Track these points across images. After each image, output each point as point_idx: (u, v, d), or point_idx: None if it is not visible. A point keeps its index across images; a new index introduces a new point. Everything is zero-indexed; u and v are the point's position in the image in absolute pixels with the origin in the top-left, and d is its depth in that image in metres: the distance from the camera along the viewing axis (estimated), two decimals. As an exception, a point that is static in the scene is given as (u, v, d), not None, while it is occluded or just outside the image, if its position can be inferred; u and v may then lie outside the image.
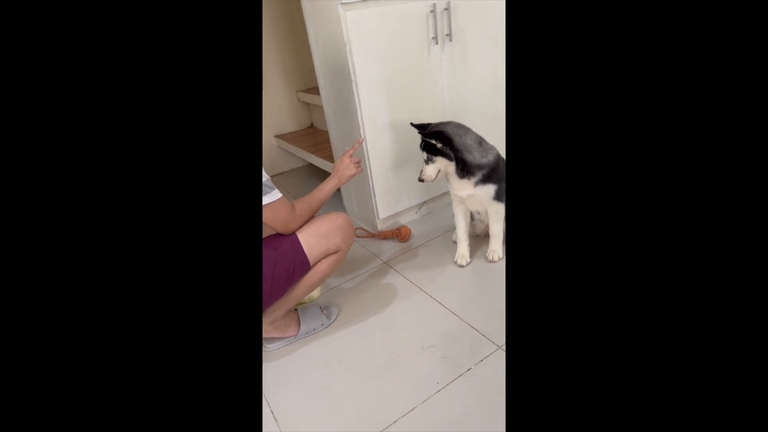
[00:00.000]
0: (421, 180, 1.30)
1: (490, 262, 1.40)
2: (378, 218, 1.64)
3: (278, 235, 1.04)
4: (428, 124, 1.29)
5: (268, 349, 1.16)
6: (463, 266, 1.42)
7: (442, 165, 1.28)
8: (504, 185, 1.31)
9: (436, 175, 1.30)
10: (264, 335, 1.14)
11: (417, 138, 1.36)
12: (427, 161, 1.28)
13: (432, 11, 1.43)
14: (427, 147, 1.26)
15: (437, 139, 1.23)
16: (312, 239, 1.04)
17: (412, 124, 1.31)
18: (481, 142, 1.29)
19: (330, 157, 1.94)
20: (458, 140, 1.24)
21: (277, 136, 2.42)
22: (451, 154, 1.24)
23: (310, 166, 2.48)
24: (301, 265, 1.03)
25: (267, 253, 1.00)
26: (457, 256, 1.45)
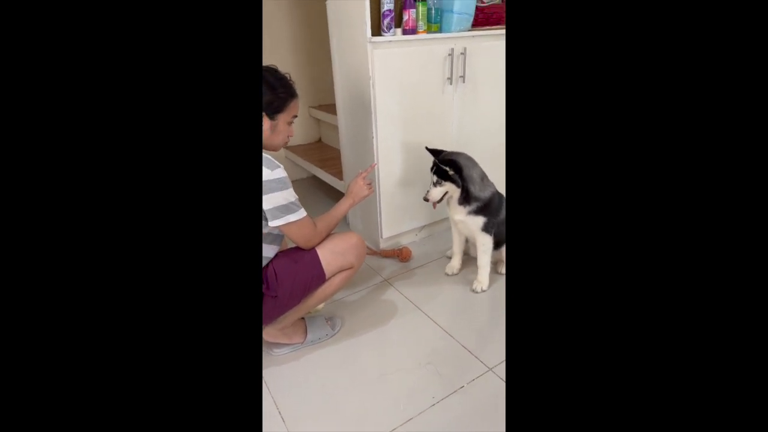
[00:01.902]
0: (426, 199, 1.43)
1: (474, 292, 1.51)
2: (381, 237, 1.74)
3: (299, 249, 1.13)
4: (442, 151, 1.42)
5: (276, 354, 1.24)
6: (448, 275, 1.60)
7: (450, 189, 1.40)
8: (493, 220, 1.44)
9: (441, 198, 1.42)
10: (273, 340, 1.22)
11: (425, 165, 1.48)
12: (436, 184, 1.40)
13: (450, 55, 1.57)
14: (438, 171, 1.38)
15: (451, 167, 1.36)
16: (329, 255, 1.13)
17: (427, 148, 1.44)
18: (483, 177, 1.43)
19: (338, 174, 2.04)
20: (467, 171, 1.37)
21: (286, 148, 2.52)
22: (459, 182, 1.37)
23: (314, 178, 2.58)
24: (317, 277, 1.13)
25: (288, 265, 1.10)
26: (447, 267, 1.63)
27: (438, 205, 1.45)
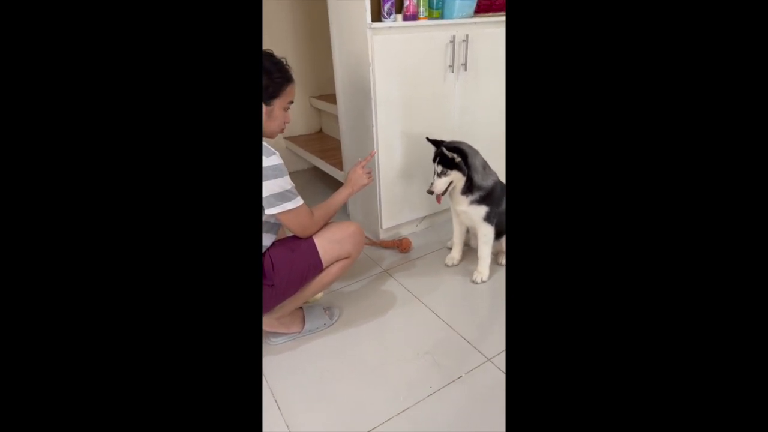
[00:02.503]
0: (430, 192, 1.38)
1: (474, 283, 1.49)
2: (381, 228, 1.73)
3: (296, 237, 1.12)
4: (442, 141, 1.39)
5: (273, 343, 1.23)
6: (448, 266, 1.59)
7: (455, 179, 1.37)
8: (496, 210, 1.42)
9: (446, 189, 1.38)
10: (271, 330, 1.21)
11: (425, 155, 1.45)
12: (440, 174, 1.36)
13: (452, 41, 1.54)
14: (442, 161, 1.35)
15: (458, 154, 1.33)
16: (327, 244, 1.12)
17: (428, 138, 1.41)
18: (485, 166, 1.41)
19: (338, 164, 2.03)
20: (471, 159, 1.35)
21: (287, 138, 2.50)
22: (465, 170, 1.34)
23: (316, 168, 2.56)
24: (314, 267, 1.11)
25: (285, 254, 1.08)
26: (447, 258, 1.61)
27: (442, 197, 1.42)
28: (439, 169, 1.36)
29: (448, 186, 1.39)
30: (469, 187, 1.37)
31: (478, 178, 1.37)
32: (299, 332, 1.25)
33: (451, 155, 1.33)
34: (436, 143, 1.40)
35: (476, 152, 1.39)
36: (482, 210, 1.40)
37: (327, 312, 1.31)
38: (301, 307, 1.27)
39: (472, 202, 1.40)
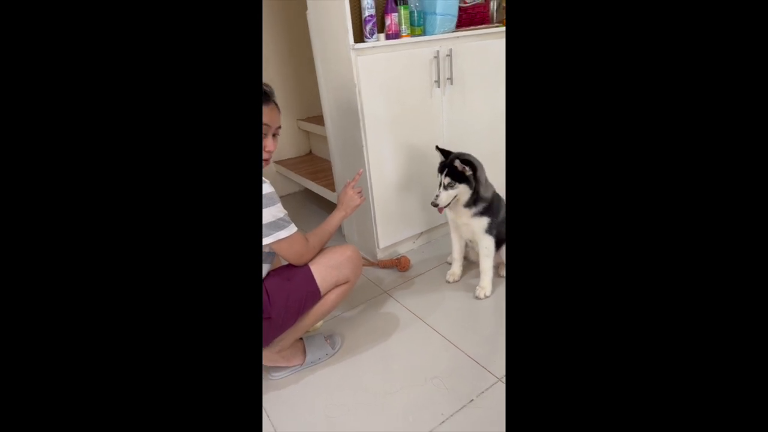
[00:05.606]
0: (434, 204, 1.32)
1: (477, 298, 1.45)
2: (378, 247, 1.69)
3: (291, 266, 1.08)
4: (450, 151, 1.35)
5: (274, 378, 1.18)
6: (449, 282, 1.56)
7: (461, 192, 1.32)
8: (495, 221, 1.39)
9: (449, 202, 1.34)
10: (271, 364, 1.16)
11: (418, 170, 1.41)
12: (448, 187, 1.31)
13: (435, 57, 1.54)
14: (450, 173, 1.30)
15: (469, 166, 1.29)
16: (324, 270, 1.08)
17: (437, 147, 1.36)
18: (486, 178, 1.39)
19: (330, 186, 2.00)
20: (479, 173, 1.33)
21: (277, 162, 2.48)
22: (473, 183, 1.31)
23: (307, 191, 2.54)
24: (312, 295, 1.07)
25: (281, 284, 1.04)
26: (448, 274, 1.57)
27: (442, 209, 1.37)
28: (447, 181, 1.30)
29: (454, 198, 1.35)
30: (474, 200, 1.34)
31: (482, 191, 1.35)
32: (301, 365, 1.20)
33: (462, 167, 1.28)
34: (445, 153, 1.35)
35: (481, 164, 1.36)
36: (484, 222, 1.38)
37: (328, 341, 1.26)
38: (301, 338, 1.22)
39: (475, 215, 1.37)
